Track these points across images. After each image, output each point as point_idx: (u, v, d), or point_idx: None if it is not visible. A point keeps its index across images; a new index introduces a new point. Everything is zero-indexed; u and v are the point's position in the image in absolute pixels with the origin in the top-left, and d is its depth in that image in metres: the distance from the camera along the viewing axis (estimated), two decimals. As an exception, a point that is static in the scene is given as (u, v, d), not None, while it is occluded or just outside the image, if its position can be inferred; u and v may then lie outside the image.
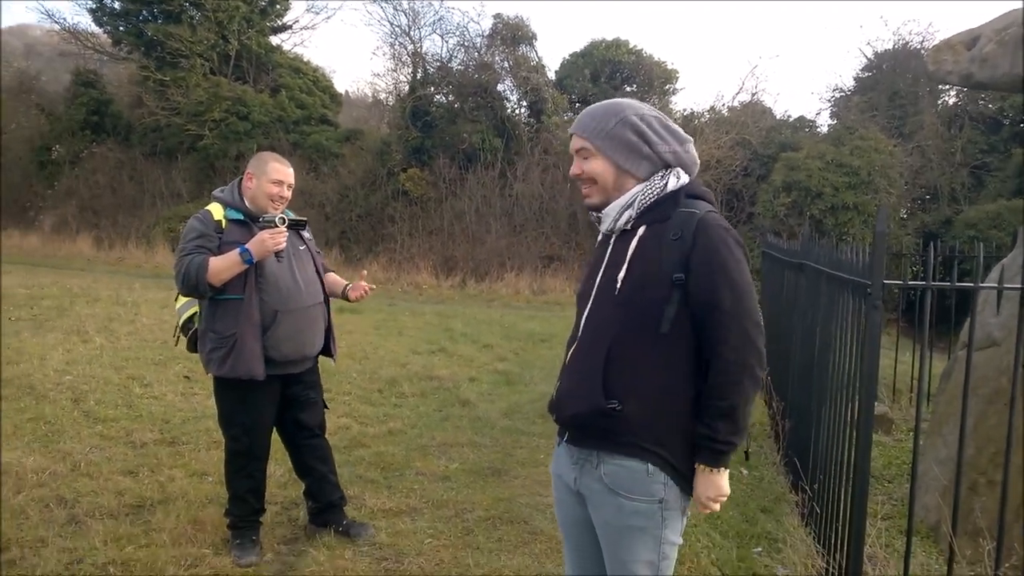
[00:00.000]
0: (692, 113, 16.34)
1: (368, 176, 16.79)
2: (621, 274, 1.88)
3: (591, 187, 1.98)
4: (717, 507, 1.91)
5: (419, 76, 17.13)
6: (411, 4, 17.13)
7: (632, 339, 1.86)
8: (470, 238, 14.97)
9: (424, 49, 17.31)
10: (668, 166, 1.96)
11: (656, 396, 1.86)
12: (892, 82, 14.97)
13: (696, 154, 2.04)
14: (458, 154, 16.15)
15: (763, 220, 13.24)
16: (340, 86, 21.09)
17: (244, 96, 18.25)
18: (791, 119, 15.80)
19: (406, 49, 17.14)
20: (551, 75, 17.62)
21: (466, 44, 16.89)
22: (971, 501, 4.13)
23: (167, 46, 18.12)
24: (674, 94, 18.34)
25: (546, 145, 15.85)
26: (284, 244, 3.13)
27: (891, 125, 14.08)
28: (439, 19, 18.20)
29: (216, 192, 3.36)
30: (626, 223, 1.93)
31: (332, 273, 3.69)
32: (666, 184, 1.93)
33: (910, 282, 3.01)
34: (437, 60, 17.19)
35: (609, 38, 17.98)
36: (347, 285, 3.55)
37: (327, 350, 3.49)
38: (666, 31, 37.26)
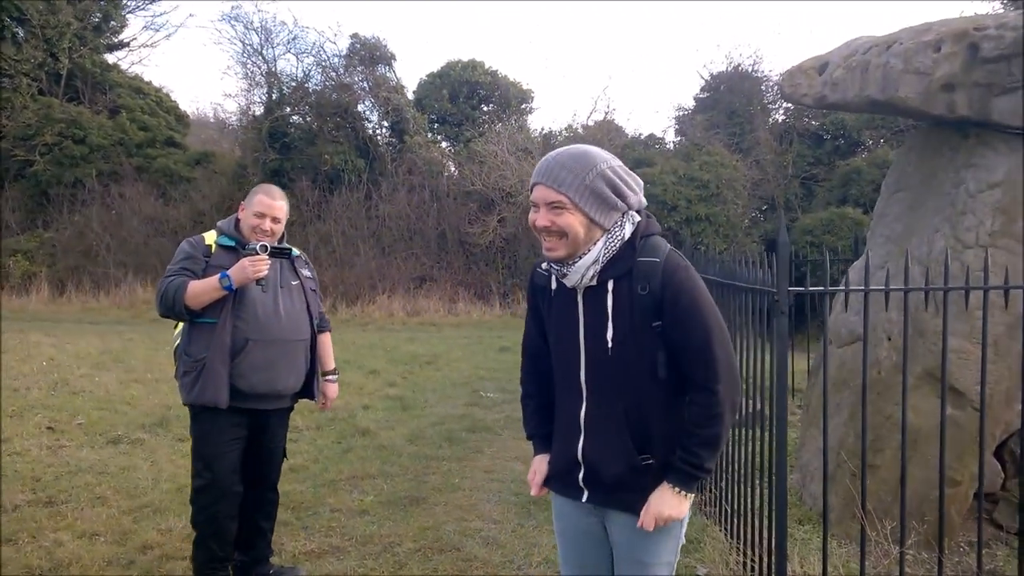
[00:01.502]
0: (550, 132, 16.85)
1: (223, 201, 15.96)
2: (608, 334, 1.90)
3: (558, 240, 1.88)
4: (685, 522, 1.99)
5: (275, 96, 16.56)
6: (263, 23, 16.57)
7: (638, 390, 1.92)
8: (338, 261, 14.57)
9: (279, 69, 16.79)
10: (625, 212, 1.93)
11: (672, 434, 1.94)
12: (729, 101, 16.15)
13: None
14: (319, 176, 15.74)
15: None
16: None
17: (80, 118, 16.86)
18: (642, 136, 16.70)
19: (260, 69, 16.54)
20: (409, 95, 17.60)
21: (323, 64, 16.56)
22: (854, 485, 4.47)
23: (-13, 64, 16.47)
24: (530, 113, 18.89)
25: (410, 165, 15.79)
26: (265, 272, 3.05)
27: (732, 141, 15.19)
28: (293, 38, 17.69)
29: (220, 221, 3.33)
30: (592, 279, 1.91)
31: (326, 336, 3.56)
32: (624, 233, 1.91)
33: (811, 288, 3.26)
34: (293, 80, 16.71)
35: (465, 59, 18.24)
36: (327, 375, 3.52)
37: (309, 392, 3.38)
38: (519, 52, 38.25)
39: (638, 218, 1.95)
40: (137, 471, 4.84)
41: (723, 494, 4.16)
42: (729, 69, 16.87)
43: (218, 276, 3.02)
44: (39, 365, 8.01)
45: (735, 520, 3.80)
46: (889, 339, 4.64)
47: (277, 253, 3.18)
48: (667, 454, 1.93)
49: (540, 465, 2.13)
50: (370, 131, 16.77)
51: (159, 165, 16.87)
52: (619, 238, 1.90)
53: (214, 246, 3.20)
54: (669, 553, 2.01)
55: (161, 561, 3.56)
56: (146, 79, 19.61)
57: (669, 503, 1.91)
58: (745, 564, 3.58)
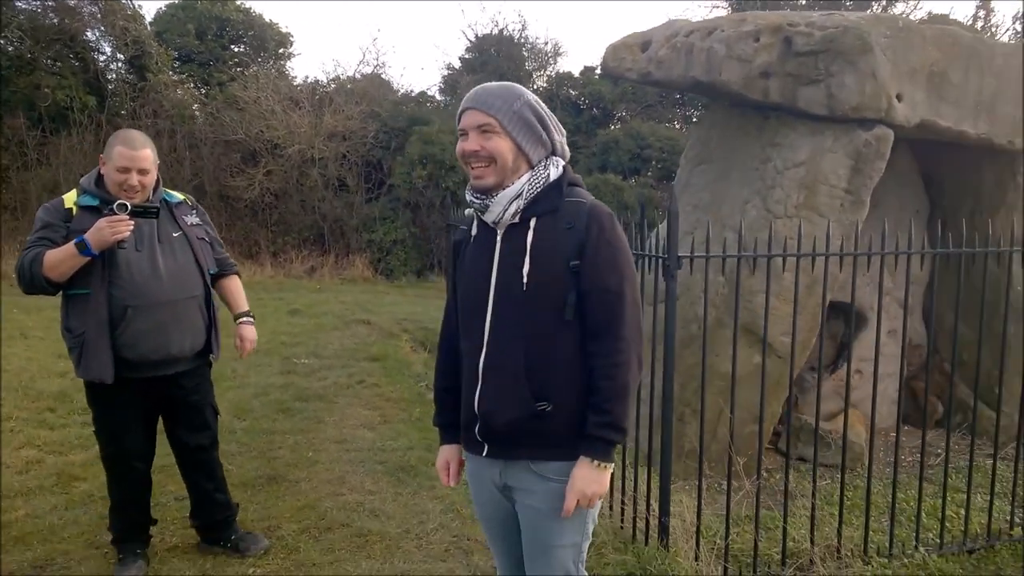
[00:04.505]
0: (317, 81, 16.02)
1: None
2: (526, 268, 1.85)
3: (487, 167, 1.88)
4: (597, 505, 1.93)
5: (-27, 13, 13.69)
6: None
7: (544, 332, 1.86)
8: (71, 214, 12.62)
9: (-22, -21, 13.85)
10: (550, 155, 1.96)
11: (576, 387, 1.88)
12: (497, 65, 16.55)
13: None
14: (39, 114, 13.43)
15: (401, 192, 13.73)
16: None
17: None
18: (414, 93, 16.53)
19: (-49, -24, 13.52)
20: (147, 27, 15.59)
21: (40, -20, 13.98)
22: (681, 429, 4.99)
23: None
24: (289, 59, 17.79)
25: (155, 107, 14.09)
26: (126, 234, 2.74)
27: (502, 105, 15.60)
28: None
29: (83, 177, 2.99)
30: (514, 215, 1.89)
31: (235, 279, 3.26)
32: (549, 174, 1.92)
33: (696, 254, 3.57)
34: (-2, -5, 13.91)
35: (214, -9, 16.61)
36: (241, 318, 3.23)
37: (210, 349, 3.10)
38: None
39: (562, 163, 1.97)
40: None
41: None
42: (495, 32, 17.26)
43: (74, 241, 2.74)
44: None
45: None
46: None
47: (141, 213, 2.82)
48: (564, 402, 1.86)
49: (450, 455, 2.12)
50: (103, 64, 14.63)
51: None
52: (544, 177, 1.91)
53: (75, 208, 2.89)
54: (574, 534, 1.95)
55: None
56: None
57: (589, 479, 1.84)
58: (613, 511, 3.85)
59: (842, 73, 4.55)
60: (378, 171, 14.47)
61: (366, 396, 5.64)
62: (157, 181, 2.99)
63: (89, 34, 14.64)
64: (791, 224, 4.66)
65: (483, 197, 1.90)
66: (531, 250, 1.86)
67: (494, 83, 1.95)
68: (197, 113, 15.12)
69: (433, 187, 13.39)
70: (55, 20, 14.07)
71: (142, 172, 2.86)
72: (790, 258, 3.83)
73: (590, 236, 1.85)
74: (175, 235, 2.99)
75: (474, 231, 2.00)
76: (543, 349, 1.85)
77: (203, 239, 3.11)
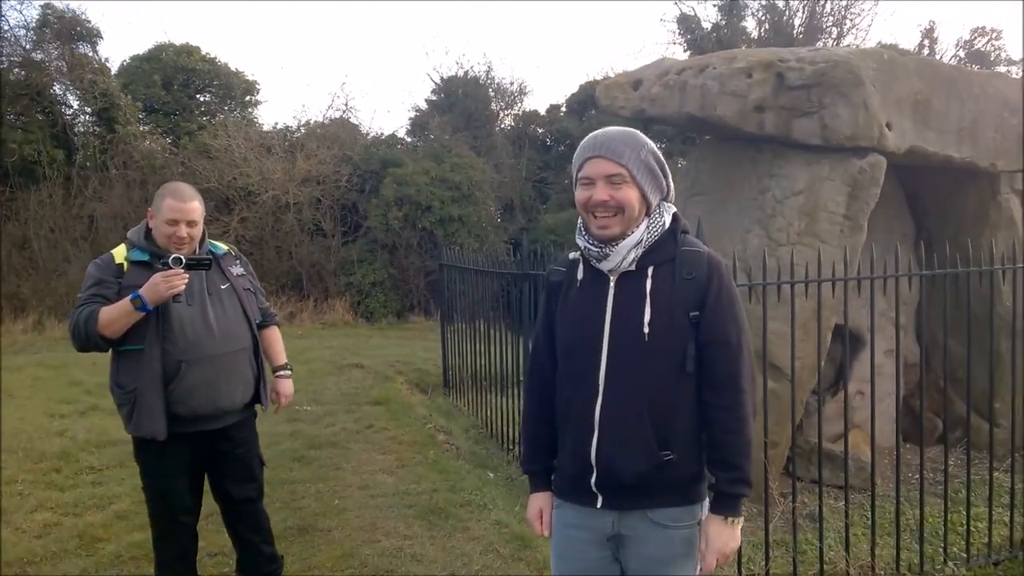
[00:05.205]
0: (287, 127, 16.04)
1: None
2: (647, 318, 1.83)
3: (614, 217, 1.84)
4: (727, 560, 1.91)
5: (-65, 70, 13.49)
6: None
7: (664, 382, 1.84)
8: (41, 270, 12.36)
9: (-58, 37, 13.68)
10: (662, 200, 1.95)
11: (693, 434, 1.88)
12: (465, 106, 16.78)
13: None
14: (4, 169, 13.19)
15: (377, 233, 13.73)
16: None
17: None
18: (384, 136, 16.60)
19: (-86, 34, 13.34)
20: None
21: (5, 36, 13.87)
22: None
23: None
24: (256, 106, 17.81)
25: (125, 158, 13.95)
26: (181, 288, 2.74)
27: (473, 145, 15.79)
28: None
29: (130, 231, 2.98)
30: (631, 263, 1.87)
31: (275, 330, 3.27)
32: (664, 221, 1.91)
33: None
34: (-38, 52, 13.74)
35: (178, 42, 16.64)
36: (279, 371, 3.27)
37: (259, 398, 3.11)
38: (242, 40, 34.94)
39: (673, 209, 1.96)
40: None
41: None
42: (460, 74, 17.52)
43: (130, 297, 2.73)
44: None
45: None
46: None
47: (195, 265, 2.83)
48: (684, 451, 1.85)
49: (543, 502, 2.04)
50: (70, 118, 14.47)
51: None
52: (660, 225, 1.89)
53: (126, 264, 2.89)
54: None
55: None
56: None
57: (726, 536, 1.85)
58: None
59: (835, 105, 4.75)
60: (353, 214, 14.47)
61: (378, 441, 5.60)
62: (203, 234, 3.02)
63: (56, 88, 14.51)
64: (795, 251, 4.80)
65: (602, 246, 1.87)
66: (651, 299, 1.84)
67: (614, 129, 1.90)
68: (168, 163, 15.00)
69: (409, 228, 13.44)
70: (21, 74, 13.94)
71: (191, 224, 2.89)
72: (804, 284, 3.93)
73: (711, 287, 1.85)
74: (223, 287, 3.00)
75: (579, 275, 1.96)
76: (663, 398, 1.84)
77: (248, 289, 3.13)
